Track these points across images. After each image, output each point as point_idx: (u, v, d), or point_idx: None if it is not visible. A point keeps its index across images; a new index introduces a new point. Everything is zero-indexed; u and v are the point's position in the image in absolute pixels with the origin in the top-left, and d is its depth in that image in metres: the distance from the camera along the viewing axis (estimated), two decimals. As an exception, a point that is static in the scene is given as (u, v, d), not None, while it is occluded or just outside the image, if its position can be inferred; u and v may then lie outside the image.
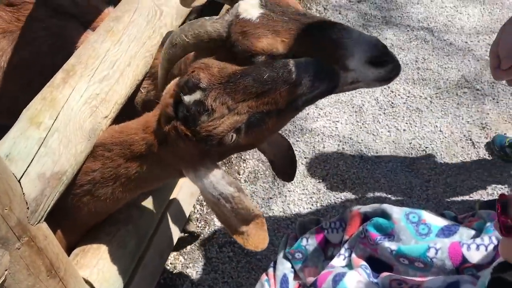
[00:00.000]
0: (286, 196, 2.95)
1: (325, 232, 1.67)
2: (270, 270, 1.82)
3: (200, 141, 1.33)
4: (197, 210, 2.89)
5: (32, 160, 1.27)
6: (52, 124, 1.34)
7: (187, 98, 1.29)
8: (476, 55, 3.71)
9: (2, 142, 1.29)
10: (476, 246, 1.37)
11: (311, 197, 2.95)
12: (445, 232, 1.46)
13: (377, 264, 1.48)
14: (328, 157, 3.17)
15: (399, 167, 3.08)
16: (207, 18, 1.49)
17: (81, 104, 1.41)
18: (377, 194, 2.96)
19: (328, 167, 3.12)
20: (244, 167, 3.11)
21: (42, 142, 1.30)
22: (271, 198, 2.95)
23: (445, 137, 3.20)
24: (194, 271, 2.61)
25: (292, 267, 1.74)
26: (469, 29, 3.92)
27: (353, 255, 1.50)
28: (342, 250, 1.55)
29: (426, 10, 4.13)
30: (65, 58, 1.56)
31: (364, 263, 1.48)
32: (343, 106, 3.46)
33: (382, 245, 1.47)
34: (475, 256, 1.36)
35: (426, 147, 3.16)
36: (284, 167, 1.93)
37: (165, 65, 1.48)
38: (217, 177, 1.40)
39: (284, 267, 1.74)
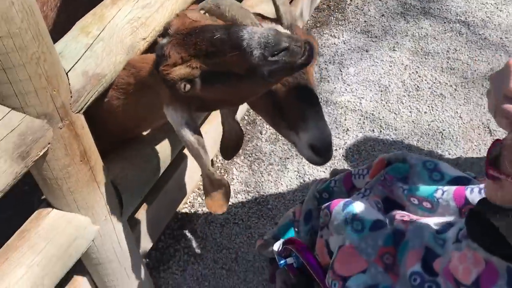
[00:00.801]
0: (302, 158, 3.15)
1: (352, 178, 1.80)
2: (298, 206, 2.00)
3: (163, 82, 1.46)
4: (219, 160, 3.14)
5: (79, 60, 1.52)
6: (99, 34, 1.59)
7: (160, 41, 1.46)
8: (509, 51, 3.77)
9: (56, 44, 1.56)
10: (479, 190, 1.46)
11: (326, 162, 3.14)
12: (458, 182, 1.54)
13: (391, 204, 1.54)
14: (348, 128, 3.34)
15: (415, 144, 3.22)
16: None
17: (124, 23, 1.66)
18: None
19: (346, 138, 3.29)
20: (266, 127, 3.32)
21: (89, 47, 1.55)
22: (288, 158, 3.16)
23: (464, 123, 3.31)
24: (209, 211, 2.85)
25: (319, 204, 1.89)
26: (507, 26, 3.98)
27: (371, 194, 1.58)
28: (362, 190, 1.63)
29: (466, 4, 4.21)
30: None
31: (379, 200, 1.54)
32: (370, 85, 3.62)
33: (396, 185, 1.53)
34: (476, 198, 1.40)
35: (444, 130, 3.28)
36: (228, 147, 2.11)
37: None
38: (181, 121, 1.52)
39: (311, 204, 1.89)
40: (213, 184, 1.64)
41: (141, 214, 2.32)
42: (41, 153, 1.44)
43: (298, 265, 1.62)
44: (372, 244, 1.30)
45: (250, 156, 3.16)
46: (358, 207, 1.42)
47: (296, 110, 1.62)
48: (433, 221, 1.33)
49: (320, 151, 1.59)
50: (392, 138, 3.27)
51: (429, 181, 1.53)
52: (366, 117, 3.40)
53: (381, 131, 3.32)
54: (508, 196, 0.93)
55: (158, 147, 2.13)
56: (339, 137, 3.28)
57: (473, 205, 1.36)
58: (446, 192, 1.45)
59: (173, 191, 2.56)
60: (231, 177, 3.04)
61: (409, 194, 1.49)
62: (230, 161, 3.12)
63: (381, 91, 3.57)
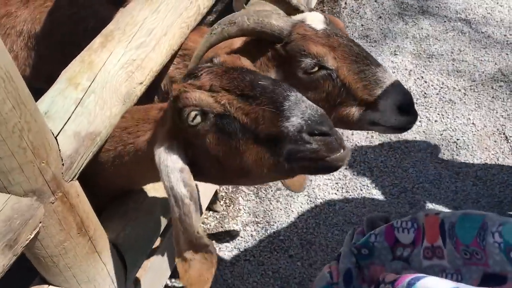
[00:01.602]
0: (312, 180, 2.95)
1: (395, 231, 1.58)
2: (333, 263, 1.76)
3: (173, 101, 1.24)
4: (223, 189, 2.92)
5: (69, 119, 1.30)
6: (89, 86, 1.37)
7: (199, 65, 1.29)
8: (515, 48, 3.61)
9: (41, 101, 1.33)
10: None
11: (336, 183, 2.94)
12: None
13: (491, 280, 1.26)
14: (356, 144, 3.15)
15: (429, 157, 3.04)
16: (274, 11, 1.57)
17: (118, 68, 1.44)
18: (405, 184, 2.92)
19: (355, 154, 3.09)
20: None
21: (79, 102, 1.33)
22: (296, 181, 2.95)
23: (478, 130, 3.13)
24: (217, 248, 2.64)
25: (357, 262, 1.67)
26: (509, 22, 3.81)
27: (463, 281, 1.30)
28: (449, 277, 1.35)
29: (465, 1, 4.03)
30: (86, 30, 1.61)
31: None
32: (374, 94, 3.42)
33: (488, 241, 1.25)
34: None
35: (458, 139, 3.10)
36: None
37: (210, 39, 1.50)
38: (174, 166, 1.24)
39: (349, 261, 1.67)
40: (196, 251, 1.30)
41: (144, 266, 2.10)
42: (31, 236, 1.22)
43: None
44: None
45: (255, 182, 2.95)
46: (424, 284, 1.19)
47: (362, 78, 1.52)
48: None
49: (409, 106, 1.53)
50: (403, 152, 3.08)
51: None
52: (374, 132, 3.20)
53: (390, 145, 3.12)
54: None
55: (159, 194, 1.91)
56: (347, 154, 3.08)
57: None
58: None
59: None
60: (237, 208, 2.83)
61: (508, 247, 1.23)
62: (235, 189, 2.90)
63: (387, 100, 3.38)
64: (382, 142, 3.14)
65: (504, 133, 3.09)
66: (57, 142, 1.25)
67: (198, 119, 1.21)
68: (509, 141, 3.05)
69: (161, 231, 1.94)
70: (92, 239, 1.45)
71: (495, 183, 2.86)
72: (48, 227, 1.28)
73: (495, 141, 3.07)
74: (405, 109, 1.53)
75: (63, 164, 1.26)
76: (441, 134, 3.14)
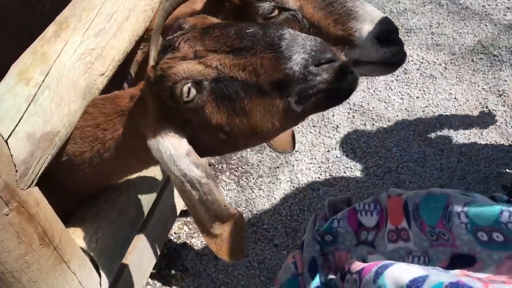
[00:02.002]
0: (293, 165, 2.85)
1: (358, 215, 1.50)
2: (297, 252, 1.68)
3: (156, 83, 1.12)
4: (202, 179, 2.80)
5: (20, 119, 1.15)
6: (43, 81, 1.22)
7: (167, 38, 1.15)
8: (494, 19, 3.53)
9: (-13, 100, 1.18)
10: None
11: (319, 167, 2.85)
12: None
13: (460, 261, 1.20)
14: (338, 125, 3.05)
15: (412, 136, 2.96)
16: None
17: (74, 60, 1.29)
18: (389, 164, 2.84)
19: (337, 136, 3.00)
20: (250, 135, 3.00)
21: (32, 100, 1.18)
22: (278, 167, 2.85)
23: (460, 105, 3.06)
24: (199, 241, 2.53)
25: (321, 249, 1.59)
26: (487, -8, 3.73)
27: (430, 263, 1.23)
28: (416, 259, 1.29)
29: (441, -28, 3.93)
30: (42, 13, 1.45)
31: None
32: (354, 73, 3.32)
33: (454, 222, 1.19)
34: None
35: (440, 115, 3.03)
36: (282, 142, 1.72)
37: (165, 7, 1.32)
38: (179, 152, 1.14)
39: (313, 249, 1.59)
40: (224, 222, 1.21)
41: (122, 267, 1.98)
42: (-17, 255, 1.08)
43: None
44: None
45: (236, 171, 2.83)
46: (392, 273, 1.11)
47: (336, 10, 1.33)
48: None
49: (389, 33, 1.34)
50: (386, 131, 2.99)
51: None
52: (355, 110, 3.11)
53: (373, 124, 3.04)
54: None
55: (134, 192, 1.78)
56: (329, 136, 2.99)
57: None
58: None
59: (156, 229, 2.22)
60: (218, 198, 2.72)
61: (474, 227, 1.16)
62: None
63: (367, 78, 3.28)
64: (364, 122, 3.05)
65: (487, 107, 3.03)
66: (8, 146, 1.11)
67: (193, 91, 1.10)
68: (492, 114, 2.99)
69: (136, 231, 1.82)
70: (57, 248, 1.32)
71: (480, 159, 2.80)
72: (4, 241, 1.15)
73: (478, 115, 3.00)
74: (385, 39, 1.34)
75: (16, 171, 1.12)
76: (423, 111, 3.06)
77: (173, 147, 1.15)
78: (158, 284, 2.39)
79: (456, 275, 1.07)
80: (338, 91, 1.10)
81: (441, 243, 1.27)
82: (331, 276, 1.48)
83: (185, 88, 1.09)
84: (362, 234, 1.48)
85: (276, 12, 1.34)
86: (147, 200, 1.84)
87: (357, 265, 1.28)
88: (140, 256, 2.11)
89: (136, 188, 1.77)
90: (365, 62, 1.37)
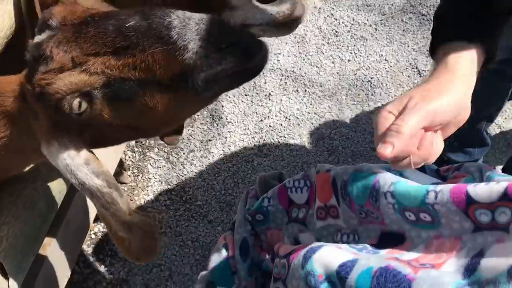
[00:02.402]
0: (226, 137, 2.75)
1: (288, 192, 1.43)
2: (229, 233, 1.60)
3: (38, 100, 0.98)
4: (129, 157, 2.65)
5: None
6: None
7: (36, 39, 0.96)
8: (422, -23, 3.51)
9: None
10: (485, 184, 1.01)
11: (253, 137, 2.76)
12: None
13: (389, 239, 1.17)
14: (270, 93, 2.96)
15: (344, 100, 2.92)
16: None
17: None
18: (322, 130, 2.80)
19: (270, 104, 2.91)
20: (179, 107, 2.86)
21: None
22: (210, 140, 2.74)
23: (391, 66, 3.05)
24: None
25: (253, 229, 1.52)
26: (415, -50, 3.69)
27: (360, 241, 1.21)
28: (345, 237, 1.25)
29: None
30: None
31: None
32: (285, 37, 3.21)
33: (381, 202, 1.15)
34: (484, 194, 0.96)
35: (372, 78, 3.00)
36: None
37: None
38: (76, 161, 1.04)
39: (244, 230, 1.52)
40: (132, 230, 1.13)
41: (41, 260, 1.84)
42: None
43: None
44: None
45: (165, 146, 2.70)
46: (320, 258, 1.06)
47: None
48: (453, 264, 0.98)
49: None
50: (319, 96, 2.94)
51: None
52: (287, 76, 3.03)
53: (305, 90, 2.97)
54: None
55: (41, 182, 1.62)
56: (262, 105, 2.90)
57: (481, 203, 0.95)
58: (440, 193, 1.07)
59: (77, 216, 2.07)
60: (147, 177, 2.58)
61: (401, 207, 1.12)
62: (142, 157, 2.64)
63: (298, 42, 3.19)
64: (297, 88, 2.97)
65: (416, 67, 3.03)
66: None
67: (84, 104, 0.96)
68: (422, 75, 3.00)
69: (49, 224, 1.67)
70: None
71: (411, 120, 2.81)
72: None
73: (408, 76, 3.00)
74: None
75: None
76: (355, 74, 3.02)
77: (69, 156, 1.04)
78: (87, 271, 2.26)
79: (385, 258, 1.03)
80: (248, 70, 1.01)
81: (370, 220, 1.22)
82: (263, 257, 1.43)
83: (74, 104, 0.95)
84: (293, 211, 1.43)
85: None
86: (59, 189, 1.69)
87: (285, 249, 1.23)
88: (62, 247, 1.97)
89: (44, 178, 1.61)
90: (253, 24, 1.22)
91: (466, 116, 1.10)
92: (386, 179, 1.16)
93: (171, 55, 0.92)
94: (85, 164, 1.04)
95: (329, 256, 1.08)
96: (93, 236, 2.37)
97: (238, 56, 0.95)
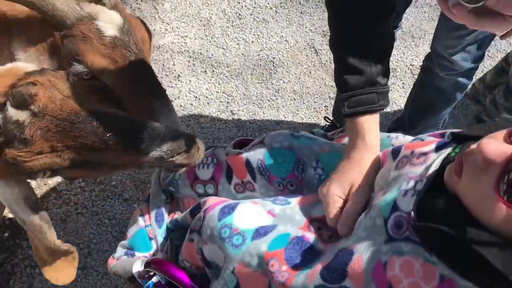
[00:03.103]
0: (137, 118, 2.83)
1: (196, 168, 1.56)
2: (144, 205, 1.71)
3: (6, 165, 1.12)
4: (40, 143, 2.65)
5: None
6: None
7: (12, 112, 1.07)
8: (317, -37, 3.77)
9: None
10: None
11: (164, 117, 2.87)
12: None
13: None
14: (179, 74, 3.08)
15: (250, 79, 3.11)
16: None
17: None
18: (231, 108, 2.98)
19: (180, 85, 3.03)
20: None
21: None
22: (121, 121, 2.81)
23: (291, 47, 3.28)
24: (44, 207, 2.43)
25: (167, 198, 1.64)
26: None
27: (277, 201, 1.30)
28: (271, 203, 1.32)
29: None
30: None
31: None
32: (191, 20, 3.33)
33: (309, 173, 1.31)
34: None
35: (274, 58, 3.22)
36: None
37: None
38: (15, 196, 1.20)
39: (159, 199, 1.63)
40: (54, 255, 1.33)
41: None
42: None
43: (166, 281, 1.41)
44: (255, 253, 1.13)
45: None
46: (239, 214, 1.21)
47: (143, 106, 1.33)
48: None
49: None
50: (226, 76, 3.11)
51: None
52: (195, 58, 3.16)
53: (213, 70, 3.12)
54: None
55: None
56: (172, 86, 3.01)
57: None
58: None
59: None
60: (60, 160, 2.61)
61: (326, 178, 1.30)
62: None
63: (204, 25, 3.32)
64: (205, 69, 3.12)
65: (313, 47, 3.29)
66: None
67: (48, 173, 1.15)
68: (319, 54, 3.26)
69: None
70: None
71: (310, 95, 3.07)
72: None
73: (306, 55, 3.26)
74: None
75: None
76: (258, 55, 3.22)
77: (10, 193, 1.19)
78: (3, 256, 2.27)
79: (298, 227, 1.20)
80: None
81: (286, 192, 1.40)
82: (177, 217, 1.55)
83: (41, 174, 1.13)
84: (197, 187, 1.56)
85: (89, 76, 1.31)
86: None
87: (208, 202, 1.35)
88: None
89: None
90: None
91: None
92: (309, 156, 1.34)
93: (136, 156, 1.14)
94: (23, 199, 1.20)
95: (249, 214, 1.23)
96: (7, 222, 2.37)
97: (183, 161, 1.20)
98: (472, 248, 0.75)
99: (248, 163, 1.39)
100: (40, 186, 2.50)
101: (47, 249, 1.27)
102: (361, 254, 0.92)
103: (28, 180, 1.26)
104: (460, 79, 2.28)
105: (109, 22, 1.32)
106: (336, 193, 1.17)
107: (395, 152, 1.09)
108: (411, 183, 0.92)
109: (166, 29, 3.26)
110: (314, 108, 3.03)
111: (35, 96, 1.08)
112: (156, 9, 3.35)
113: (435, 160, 0.93)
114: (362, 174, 1.16)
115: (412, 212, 0.86)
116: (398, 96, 3.19)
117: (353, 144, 1.22)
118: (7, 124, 1.07)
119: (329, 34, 1.31)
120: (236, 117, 2.93)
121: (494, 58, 3.42)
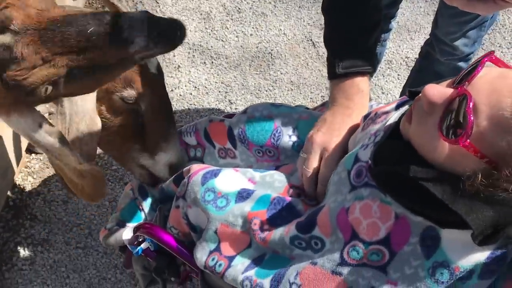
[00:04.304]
0: (138, 106, 2.91)
1: (183, 136, 1.67)
2: (134, 181, 1.81)
3: (9, 90, 1.18)
4: (43, 129, 2.74)
5: None
6: None
7: None
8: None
9: None
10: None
11: (164, 106, 2.95)
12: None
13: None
14: (179, 65, 3.16)
15: (248, 70, 3.20)
16: None
17: None
18: (229, 97, 3.06)
19: (180, 75, 3.12)
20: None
21: None
22: (123, 109, 2.89)
23: (289, 39, 3.36)
24: (46, 189, 2.52)
25: None
26: None
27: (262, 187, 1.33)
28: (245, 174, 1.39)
29: None
30: None
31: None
32: (191, 13, 3.42)
33: (283, 141, 1.39)
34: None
35: (272, 50, 3.30)
36: None
37: None
38: (31, 126, 1.25)
39: None
40: (83, 176, 1.37)
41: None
42: None
43: (155, 247, 1.49)
44: (238, 213, 1.21)
45: (79, 117, 2.82)
46: (222, 179, 1.29)
47: (160, 130, 1.57)
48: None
49: (177, 169, 1.58)
50: (224, 67, 3.19)
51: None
52: (195, 50, 3.25)
53: (212, 62, 3.21)
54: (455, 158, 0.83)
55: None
56: (172, 76, 3.10)
57: None
58: None
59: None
60: (62, 145, 2.70)
61: (299, 145, 1.37)
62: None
63: (204, 18, 3.41)
64: (204, 61, 3.20)
65: (311, 40, 3.37)
66: None
67: (50, 89, 1.18)
68: (316, 46, 3.34)
69: None
70: None
71: (307, 86, 3.15)
72: None
73: (304, 48, 3.34)
74: (172, 170, 1.62)
75: None
76: (257, 47, 3.30)
77: (25, 122, 1.24)
78: (7, 235, 2.36)
79: (281, 194, 1.25)
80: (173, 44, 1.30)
81: (266, 159, 1.49)
82: (162, 185, 1.64)
83: (43, 89, 1.17)
84: (191, 151, 1.67)
85: (133, 101, 1.54)
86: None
87: (192, 169, 1.44)
88: None
89: None
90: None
91: None
92: (286, 123, 1.42)
93: (122, 48, 1.16)
94: (39, 126, 1.25)
95: (231, 180, 1.31)
96: (11, 203, 2.46)
97: (161, 48, 1.19)
98: (418, 184, 0.83)
99: (230, 130, 1.48)
100: (43, 169, 2.59)
101: (74, 171, 1.33)
102: (329, 205, 1.00)
103: (38, 109, 1.31)
104: (460, 63, 2.33)
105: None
106: (320, 144, 1.24)
107: (365, 116, 1.16)
108: (372, 138, 0.99)
109: (167, 22, 3.35)
110: (311, 98, 3.11)
111: (11, 17, 1.14)
112: (158, 2, 3.45)
113: (394, 115, 1.01)
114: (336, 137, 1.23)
115: (369, 160, 0.93)
116: (393, 87, 3.26)
117: (340, 100, 1.28)
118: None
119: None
120: (234, 106, 3.01)
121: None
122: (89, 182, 1.37)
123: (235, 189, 1.23)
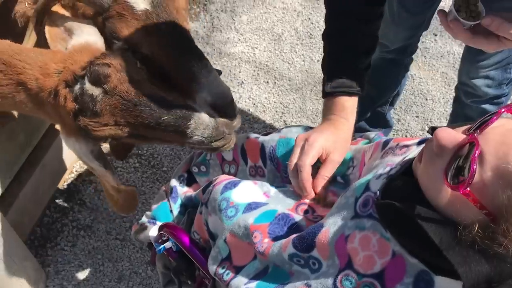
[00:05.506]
0: (197, 115, 3.03)
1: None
2: (168, 184, 1.90)
3: (78, 125, 1.35)
4: (107, 123, 2.93)
5: None
6: None
7: (88, 86, 1.29)
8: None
9: None
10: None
11: (221, 118, 3.05)
12: None
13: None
14: (243, 81, 3.26)
15: (308, 95, 3.23)
16: None
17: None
18: (285, 118, 3.10)
19: (241, 91, 3.21)
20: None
21: None
22: (182, 116, 3.02)
23: (355, 70, 3.36)
24: (99, 179, 2.68)
25: (183, 180, 1.80)
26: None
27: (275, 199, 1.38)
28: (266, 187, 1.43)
29: None
30: None
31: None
32: (264, 34, 3.52)
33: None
34: None
35: (336, 78, 3.31)
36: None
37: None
38: (83, 150, 1.43)
39: (175, 179, 1.80)
40: (119, 191, 1.58)
41: (16, 194, 2.11)
42: None
43: (177, 249, 1.54)
44: (243, 224, 1.23)
45: (140, 117, 2.98)
46: (238, 190, 1.33)
47: (183, 71, 1.42)
48: None
49: (223, 108, 1.45)
50: (286, 89, 3.24)
51: None
52: (261, 68, 3.33)
53: (275, 82, 3.27)
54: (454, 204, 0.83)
55: (23, 119, 1.90)
56: (234, 91, 3.19)
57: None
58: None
59: (53, 163, 2.35)
60: (121, 141, 2.86)
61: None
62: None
63: (275, 40, 3.50)
64: (267, 80, 3.28)
65: (377, 73, 3.34)
66: None
67: (113, 142, 1.46)
68: (381, 80, 3.31)
69: (26, 155, 1.95)
70: None
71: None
72: None
73: (369, 80, 3.32)
74: (219, 110, 1.47)
75: None
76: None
77: (79, 147, 1.43)
78: (56, 215, 2.53)
79: (289, 209, 1.30)
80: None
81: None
82: (191, 193, 1.70)
83: (104, 140, 1.39)
84: (225, 167, 1.71)
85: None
86: (37, 127, 1.96)
87: (218, 178, 1.50)
88: (35, 187, 2.24)
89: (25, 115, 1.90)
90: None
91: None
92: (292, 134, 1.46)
93: (181, 137, 1.36)
94: (90, 152, 1.44)
95: (247, 191, 1.35)
96: (65, 186, 2.64)
97: (219, 144, 1.39)
98: (418, 225, 0.81)
99: (262, 147, 1.51)
100: (100, 160, 2.76)
101: (112, 188, 1.54)
102: (329, 227, 1.00)
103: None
104: (487, 106, 2.27)
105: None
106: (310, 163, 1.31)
107: (385, 143, 1.16)
108: (387, 169, 0.99)
109: (239, 39, 3.47)
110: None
111: (109, 77, 1.30)
112: (234, 19, 3.58)
113: (414, 151, 0.99)
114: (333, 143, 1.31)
115: (378, 191, 0.93)
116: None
117: (326, 116, 1.40)
118: (83, 96, 1.30)
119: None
120: (288, 128, 3.05)
121: None
122: (123, 197, 1.59)
123: (246, 201, 1.26)
